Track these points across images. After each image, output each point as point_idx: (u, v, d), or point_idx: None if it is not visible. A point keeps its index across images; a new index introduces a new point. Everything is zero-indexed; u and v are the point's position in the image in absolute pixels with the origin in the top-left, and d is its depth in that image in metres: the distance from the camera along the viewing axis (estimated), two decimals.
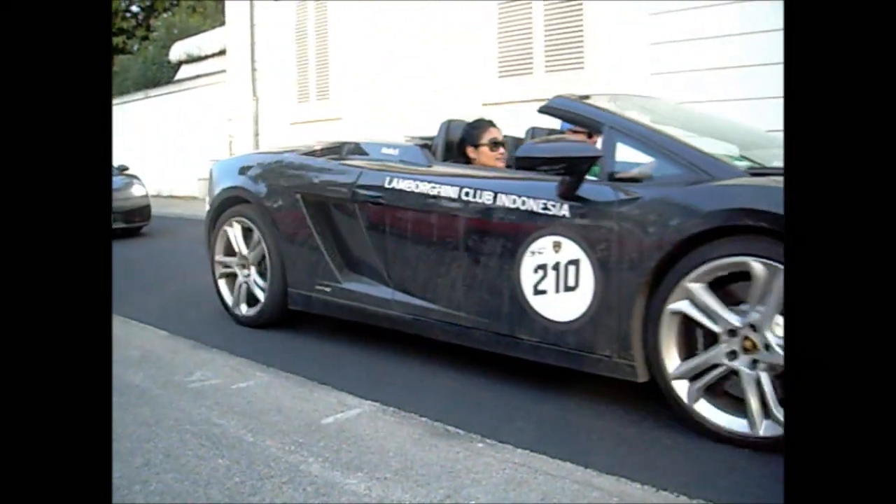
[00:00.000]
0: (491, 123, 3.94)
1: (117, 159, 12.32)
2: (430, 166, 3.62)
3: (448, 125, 3.94)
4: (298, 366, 3.51)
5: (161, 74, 19.68)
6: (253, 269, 4.32)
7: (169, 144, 17.37)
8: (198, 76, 17.12)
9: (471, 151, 3.84)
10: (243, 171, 4.47)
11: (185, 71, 18.41)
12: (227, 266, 4.50)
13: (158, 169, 17.16)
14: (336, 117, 12.50)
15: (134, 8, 31.72)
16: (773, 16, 7.25)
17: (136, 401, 3.05)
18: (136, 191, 9.99)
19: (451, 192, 3.34)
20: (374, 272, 3.74)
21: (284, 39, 13.60)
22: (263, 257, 4.21)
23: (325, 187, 3.95)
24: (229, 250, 4.48)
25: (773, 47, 7.21)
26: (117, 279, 5.91)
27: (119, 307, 4.91)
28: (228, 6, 15.20)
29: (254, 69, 14.33)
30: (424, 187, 3.45)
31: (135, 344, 3.99)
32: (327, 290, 3.90)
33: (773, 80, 6.82)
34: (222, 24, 16.60)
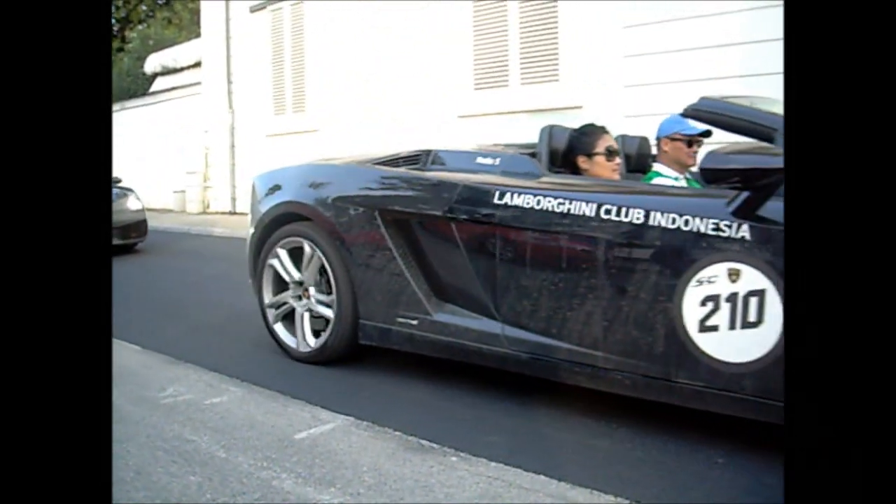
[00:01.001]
0: (604, 130, 3.48)
1: None
2: (541, 178, 3.14)
3: (550, 132, 3.40)
4: (272, 380, 3.49)
5: (136, 86, 19.58)
6: (312, 291, 3.78)
7: (144, 156, 17.26)
8: (173, 88, 17.04)
9: (582, 161, 3.37)
10: (301, 184, 3.91)
11: (160, 83, 18.33)
12: (281, 305, 3.92)
13: (133, 181, 17.02)
14: (312, 129, 12.50)
15: None
16: (746, 29, 7.34)
17: None
18: (132, 204, 9.25)
19: (585, 209, 2.83)
20: (474, 303, 3.21)
21: (260, 51, 13.58)
22: (321, 272, 3.72)
23: (412, 203, 3.39)
24: (280, 285, 3.94)
25: (746, 60, 7.31)
26: None
27: None
28: (204, 18, 15.17)
29: (230, 81, 14.30)
30: (548, 203, 2.93)
31: None
32: (413, 322, 3.37)
33: (746, 93, 6.91)
34: (198, 36, 16.55)
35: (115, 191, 9.32)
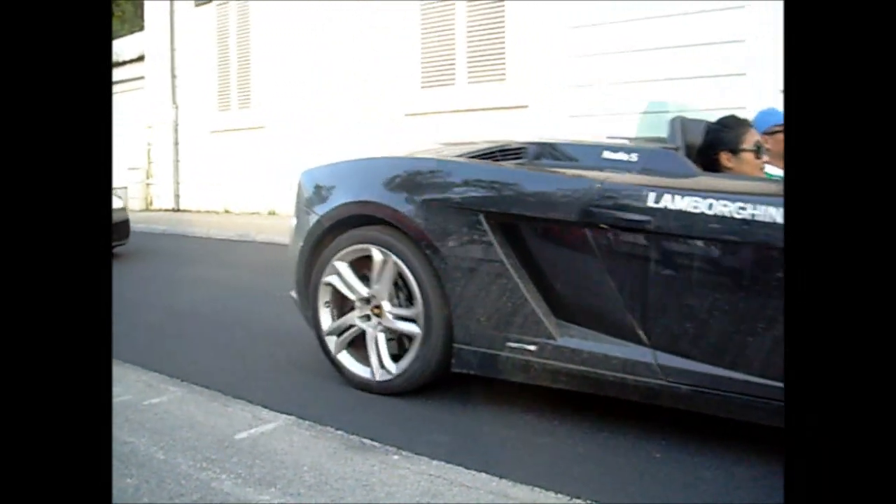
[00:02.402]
0: (748, 123, 3.13)
1: None
2: (697, 177, 2.70)
3: (683, 124, 2.95)
4: (213, 379, 3.44)
5: None
6: (387, 306, 3.17)
7: None
8: (115, 82, 16.69)
9: (726, 159, 3.02)
10: (373, 181, 3.29)
11: None
12: (345, 329, 3.31)
13: None
14: (258, 126, 12.37)
15: None
16: (692, 31, 7.46)
17: None
18: (114, 203, 8.24)
19: (775, 214, 2.38)
20: (614, 325, 2.72)
21: (205, 46, 13.40)
22: (398, 283, 3.15)
23: (531, 205, 2.83)
24: (342, 305, 3.36)
25: (690, 62, 7.43)
26: None
27: None
28: (148, 11, 14.91)
29: (173, 76, 14.08)
30: (724, 208, 2.47)
31: None
32: (530, 348, 2.83)
33: (689, 93, 7.04)
34: (141, 29, 16.25)
35: None
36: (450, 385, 3.25)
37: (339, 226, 3.30)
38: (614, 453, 2.61)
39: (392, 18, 10.31)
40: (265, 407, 3.05)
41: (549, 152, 3.10)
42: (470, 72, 9.47)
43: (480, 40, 9.34)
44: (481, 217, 2.90)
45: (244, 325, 4.67)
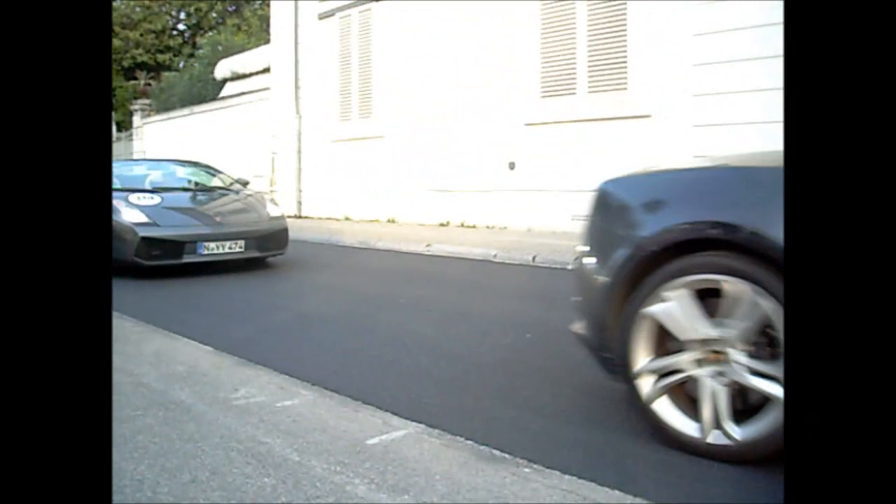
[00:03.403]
0: None
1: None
2: None
3: None
4: (342, 383, 3.50)
5: (206, 91, 20.01)
6: (738, 355, 2.50)
7: (212, 160, 17.61)
8: (242, 93, 17.36)
9: None
10: (724, 196, 2.63)
11: (229, 88, 18.69)
12: (670, 373, 2.69)
13: None
14: (379, 135, 12.59)
15: (181, 26, 32.37)
16: None
17: (181, 416, 3.07)
18: (271, 210, 8.31)
19: None
20: None
21: (328, 57, 13.75)
22: (762, 330, 2.45)
23: None
24: (662, 343, 2.73)
25: None
26: (173, 300, 5.99)
27: (166, 323, 4.98)
28: (273, 25, 15.42)
29: (297, 87, 14.50)
30: None
31: (180, 359, 4.02)
32: None
33: None
34: (267, 42, 16.85)
35: (250, 195, 8.69)
36: (574, 398, 3.20)
37: (671, 248, 2.67)
38: (749, 475, 2.51)
39: (512, 27, 10.31)
40: (395, 414, 3.08)
41: None
42: (591, 81, 9.37)
43: (601, 49, 9.23)
44: None
45: (371, 331, 4.75)
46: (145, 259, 7.14)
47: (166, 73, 25.13)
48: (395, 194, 12.20)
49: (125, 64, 29.79)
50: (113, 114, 25.02)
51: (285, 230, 8.15)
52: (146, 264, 7.14)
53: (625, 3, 8.91)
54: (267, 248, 7.88)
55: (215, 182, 9.24)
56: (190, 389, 3.45)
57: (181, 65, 28.97)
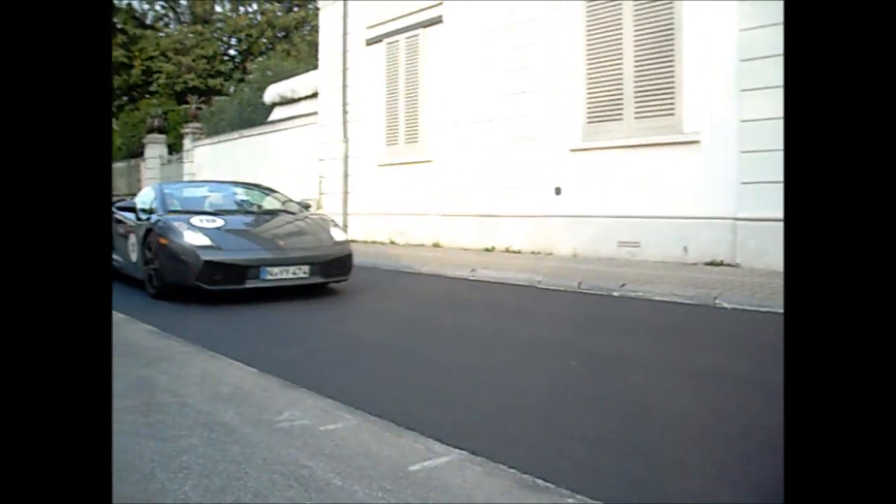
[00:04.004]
0: None
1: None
2: None
3: None
4: (385, 409, 3.50)
5: (255, 115, 20.32)
6: None
7: (260, 183, 17.85)
8: (290, 118, 17.59)
9: None
10: None
11: (278, 112, 18.97)
12: None
13: None
14: (426, 160, 12.65)
15: (232, 52, 32.99)
16: None
17: (225, 437, 3.09)
18: (335, 234, 8.01)
19: None
20: None
21: (375, 82, 13.89)
22: None
23: None
24: None
25: None
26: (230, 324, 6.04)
27: (212, 344, 5.03)
28: (322, 50, 15.64)
29: (345, 111, 14.65)
30: None
31: (225, 380, 4.05)
32: None
33: None
34: (315, 67, 17.07)
35: (313, 218, 8.39)
36: (618, 425, 3.15)
37: None
38: None
39: (558, 52, 10.32)
40: (437, 440, 3.06)
41: None
42: (637, 106, 9.32)
43: (649, 74, 9.18)
44: None
45: (414, 356, 4.74)
46: (207, 284, 6.95)
47: (217, 98, 25.61)
48: (441, 219, 12.24)
49: (177, 88, 30.45)
50: (165, 137, 25.52)
51: (350, 255, 7.89)
52: (208, 289, 6.97)
53: (672, 29, 8.87)
54: (331, 274, 7.61)
55: (276, 204, 9.03)
56: (234, 411, 3.47)
57: (231, 89, 29.51)
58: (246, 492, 2.54)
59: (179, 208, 7.97)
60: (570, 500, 2.49)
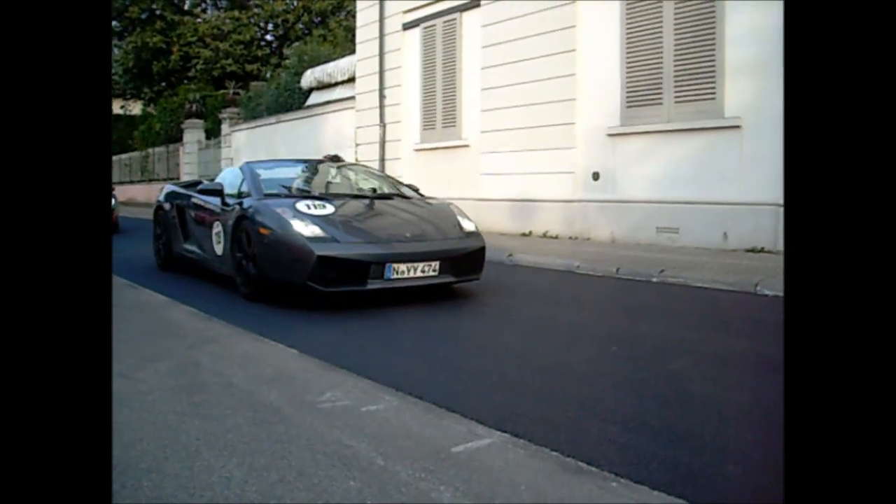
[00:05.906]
0: None
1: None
2: None
3: None
4: (427, 390, 3.51)
5: (292, 100, 20.38)
6: None
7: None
8: (327, 102, 17.63)
9: None
10: None
11: (315, 97, 19.01)
12: None
13: None
14: (463, 144, 12.63)
15: (268, 37, 33.14)
16: None
17: (270, 418, 3.12)
18: (465, 224, 6.67)
19: None
20: None
21: (412, 67, 13.88)
22: None
23: None
24: None
25: None
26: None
27: (253, 325, 5.08)
28: (359, 34, 15.64)
29: (382, 96, 14.65)
30: None
31: (268, 361, 4.10)
32: None
33: None
34: (352, 52, 17.08)
35: (433, 204, 7.17)
36: (664, 415, 3.14)
37: None
38: None
39: (597, 34, 10.22)
40: (480, 422, 3.07)
41: None
42: (677, 90, 9.20)
43: (689, 57, 9.05)
44: None
45: (455, 339, 4.75)
46: (322, 284, 5.66)
47: (254, 83, 25.72)
48: (478, 203, 12.22)
49: (215, 74, 30.65)
50: (203, 122, 25.74)
51: (483, 249, 6.52)
52: (322, 290, 5.70)
53: (713, 11, 8.73)
54: (462, 272, 6.27)
55: (387, 187, 7.69)
56: (277, 391, 3.51)
57: (268, 75, 29.64)
58: (290, 470, 2.57)
59: (275, 191, 6.75)
60: (614, 484, 2.49)
